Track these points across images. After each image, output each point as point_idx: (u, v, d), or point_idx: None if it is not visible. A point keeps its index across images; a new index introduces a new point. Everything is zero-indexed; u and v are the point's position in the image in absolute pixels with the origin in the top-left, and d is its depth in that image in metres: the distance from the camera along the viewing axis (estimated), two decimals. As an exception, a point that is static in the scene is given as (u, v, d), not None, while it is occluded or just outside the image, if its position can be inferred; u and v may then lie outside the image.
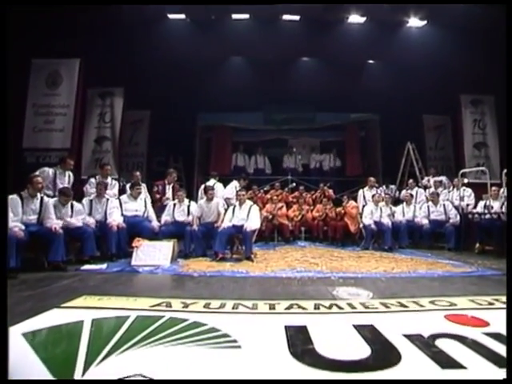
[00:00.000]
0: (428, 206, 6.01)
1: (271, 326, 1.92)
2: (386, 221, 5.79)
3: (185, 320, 1.99)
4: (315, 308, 2.28)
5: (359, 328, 1.90)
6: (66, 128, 5.45)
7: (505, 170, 5.06)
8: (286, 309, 2.26)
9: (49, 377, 1.34)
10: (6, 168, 1.63)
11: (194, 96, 8.29)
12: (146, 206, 5.06)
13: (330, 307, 2.30)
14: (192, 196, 7.86)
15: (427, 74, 7.50)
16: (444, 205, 5.87)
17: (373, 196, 6.49)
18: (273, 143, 9.13)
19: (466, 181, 5.51)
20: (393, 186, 7.61)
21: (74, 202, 4.40)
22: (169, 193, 5.63)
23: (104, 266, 3.93)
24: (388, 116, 8.35)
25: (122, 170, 7.62)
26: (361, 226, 6.12)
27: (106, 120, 6.81)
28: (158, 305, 2.30)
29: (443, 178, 6.79)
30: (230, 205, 5.55)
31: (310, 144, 9.27)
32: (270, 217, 6.90)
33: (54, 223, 3.70)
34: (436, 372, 1.40)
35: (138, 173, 5.72)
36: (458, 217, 5.63)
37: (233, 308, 2.26)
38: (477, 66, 6.88)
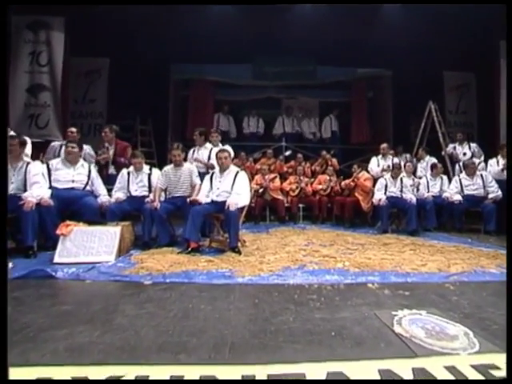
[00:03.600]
0: (460, 179, 4.78)
1: None
2: (410, 196, 4.55)
3: None
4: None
5: None
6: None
7: None
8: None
9: None
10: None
11: (167, 42, 6.57)
12: (89, 176, 3.58)
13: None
14: (165, 164, 6.37)
15: (453, 17, 6.04)
16: (482, 176, 4.65)
17: (389, 166, 5.25)
18: (263, 103, 7.58)
19: (522, 147, 4.27)
20: (408, 155, 6.36)
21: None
22: (109, 156, 4.08)
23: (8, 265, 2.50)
24: (402, 72, 6.93)
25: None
26: (374, 202, 4.86)
27: (42, 62, 5.06)
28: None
29: (473, 146, 5.55)
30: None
31: (308, 105, 7.78)
32: (261, 190, 5.57)
33: None
34: None
35: (74, 129, 4.15)
36: (500, 191, 4.44)
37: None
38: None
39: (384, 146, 5.53)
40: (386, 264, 2.68)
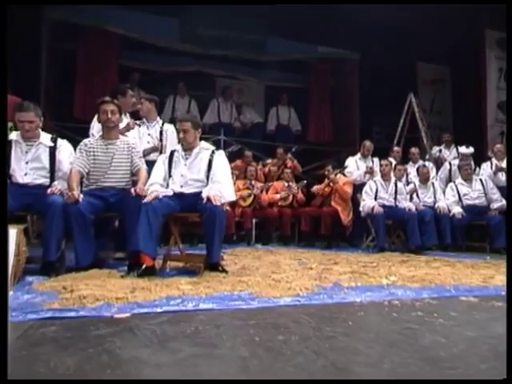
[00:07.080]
0: (457, 186, 5.32)
1: None
2: (407, 205, 4.83)
3: None
4: None
5: None
6: None
7: None
8: None
9: None
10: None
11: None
12: None
13: None
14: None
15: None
16: (482, 181, 5.26)
17: (371, 168, 5.55)
18: (192, 81, 7.18)
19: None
20: (376, 159, 6.81)
21: None
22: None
23: None
24: (371, 57, 7.54)
25: None
26: (362, 212, 4.98)
27: None
28: None
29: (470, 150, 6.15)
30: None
31: (251, 88, 7.78)
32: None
33: None
34: None
35: None
36: (504, 200, 5.08)
37: None
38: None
39: (367, 143, 5.82)
40: (440, 279, 2.64)
